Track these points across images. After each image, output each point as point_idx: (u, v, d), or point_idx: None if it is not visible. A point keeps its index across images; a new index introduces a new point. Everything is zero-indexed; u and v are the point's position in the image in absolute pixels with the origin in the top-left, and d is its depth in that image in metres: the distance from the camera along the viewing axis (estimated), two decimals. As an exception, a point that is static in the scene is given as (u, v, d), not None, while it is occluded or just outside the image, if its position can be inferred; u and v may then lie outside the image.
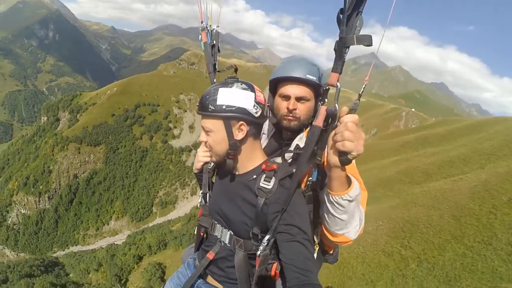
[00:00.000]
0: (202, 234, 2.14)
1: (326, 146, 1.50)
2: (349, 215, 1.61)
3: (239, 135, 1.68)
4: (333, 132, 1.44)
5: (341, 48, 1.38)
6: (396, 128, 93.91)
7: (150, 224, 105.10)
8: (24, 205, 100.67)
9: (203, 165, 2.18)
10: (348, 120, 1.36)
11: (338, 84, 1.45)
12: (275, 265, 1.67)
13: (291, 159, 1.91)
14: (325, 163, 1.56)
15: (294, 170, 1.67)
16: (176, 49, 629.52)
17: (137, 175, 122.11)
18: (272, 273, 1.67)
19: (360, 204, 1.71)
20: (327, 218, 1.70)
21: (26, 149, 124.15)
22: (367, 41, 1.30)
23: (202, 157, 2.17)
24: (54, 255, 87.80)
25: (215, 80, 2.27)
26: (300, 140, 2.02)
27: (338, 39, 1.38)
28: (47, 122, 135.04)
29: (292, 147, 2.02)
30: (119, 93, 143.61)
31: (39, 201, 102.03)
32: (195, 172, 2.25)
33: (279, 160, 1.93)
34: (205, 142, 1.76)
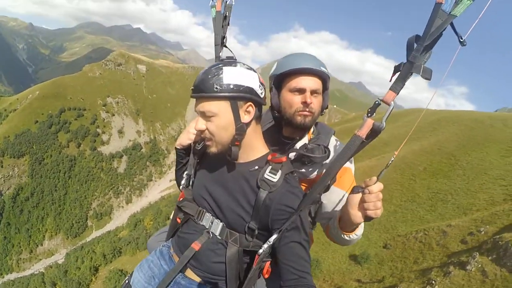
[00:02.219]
0: (179, 220, 2.02)
1: (348, 206, 1.57)
2: (352, 240, 1.82)
3: (245, 118, 1.62)
4: (357, 196, 1.52)
5: (407, 72, 1.44)
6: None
7: (88, 239, 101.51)
8: None
9: (191, 144, 2.09)
10: (378, 190, 1.46)
11: (392, 103, 1.49)
12: (267, 264, 1.65)
13: (294, 158, 1.92)
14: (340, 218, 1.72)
15: (293, 169, 1.72)
16: (99, 49, 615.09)
17: (67, 186, 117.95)
18: (265, 271, 1.65)
19: None
20: (335, 237, 1.85)
21: None
22: (428, 74, 1.41)
23: (193, 134, 2.04)
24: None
25: (220, 54, 2.25)
26: (304, 142, 2.06)
27: (405, 62, 1.45)
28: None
29: (297, 146, 2.04)
30: (41, 97, 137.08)
31: None
32: (178, 147, 2.13)
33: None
34: (203, 131, 1.62)
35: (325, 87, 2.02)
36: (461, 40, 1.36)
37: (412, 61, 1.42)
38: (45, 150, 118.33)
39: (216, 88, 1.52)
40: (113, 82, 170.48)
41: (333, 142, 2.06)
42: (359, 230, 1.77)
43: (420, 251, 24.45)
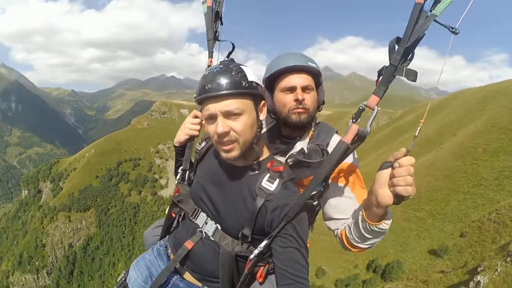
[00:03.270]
0: (174, 214, 2.06)
1: (376, 185, 1.51)
2: (377, 236, 1.70)
3: (261, 116, 1.62)
4: (389, 172, 1.45)
5: (390, 75, 1.44)
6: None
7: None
8: (23, 285, 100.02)
9: (188, 139, 2.14)
10: (409, 163, 1.38)
11: (377, 108, 1.48)
12: (262, 269, 1.67)
13: (292, 163, 1.83)
14: (373, 199, 1.55)
15: (294, 175, 1.68)
16: (140, 102, 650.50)
17: (134, 232, 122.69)
18: (258, 275, 1.67)
19: None
20: (355, 234, 1.76)
21: (12, 226, 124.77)
22: (413, 76, 1.41)
23: (189, 129, 2.11)
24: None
25: (213, 50, 2.31)
26: (303, 144, 2.03)
27: (387, 66, 1.45)
28: (29, 195, 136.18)
29: (295, 150, 2.01)
30: (98, 154, 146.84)
31: (38, 278, 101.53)
32: (176, 145, 2.17)
33: (281, 158, 1.92)
34: (226, 132, 1.50)
35: (317, 83, 2.04)
36: (452, 30, 1.33)
37: (394, 64, 1.42)
38: (109, 201, 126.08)
39: (245, 84, 1.50)
40: (161, 130, 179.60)
41: (336, 141, 1.90)
42: (388, 219, 1.61)
43: (496, 231, 25.98)
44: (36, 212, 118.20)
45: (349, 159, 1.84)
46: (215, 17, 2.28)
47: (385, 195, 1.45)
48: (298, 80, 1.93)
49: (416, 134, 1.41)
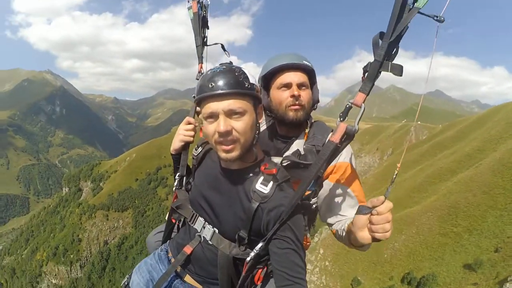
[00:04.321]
0: (174, 220, 2.11)
1: (355, 227, 1.53)
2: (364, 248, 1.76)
3: (259, 118, 1.66)
4: (367, 218, 1.45)
5: (375, 71, 1.45)
6: (409, 143, 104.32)
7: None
8: (55, 275, 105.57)
9: (183, 145, 2.16)
10: (387, 211, 1.38)
11: (363, 105, 1.47)
12: (260, 271, 1.68)
13: (287, 164, 1.85)
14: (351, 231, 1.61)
15: (289, 176, 1.68)
16: (179, 111, 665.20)
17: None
18: (256, 278, 1.68)
19: None
20: (344, 242, 1.85)
21: (50, 220, 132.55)
22: (398, 70, 1.41)
23: (184, 136, 2.13)
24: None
25: (202, 55, 2.37)
26: (300, 144, 2.05)
27: (372, 62, 1.45)
28: (69, 193, 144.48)
29: (291, 150, 2.04)
30: (138, 158, 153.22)
31: (70, 270, 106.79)
32: (173, 153, 2.20)
33: (277, 160, 1.91)
34: (228, 131, 1.51)
35: (312, 81, 2.09)
36: (437, 18, 1.34)
37: (379, 59, 1.42)
38: (146, 204, 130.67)
39: (247, 85, 1.53)
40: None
41: None
42: (368, 244, 1.62)
43: (530, 246, 27.87)
44: (76, 208, 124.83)
45: (345, 159, 1.95)
46: (202, 22, 2.38)
47: (364, 237, 1.49)
48: (294, 77, 1.99)
49: (393, 180, 1.40)
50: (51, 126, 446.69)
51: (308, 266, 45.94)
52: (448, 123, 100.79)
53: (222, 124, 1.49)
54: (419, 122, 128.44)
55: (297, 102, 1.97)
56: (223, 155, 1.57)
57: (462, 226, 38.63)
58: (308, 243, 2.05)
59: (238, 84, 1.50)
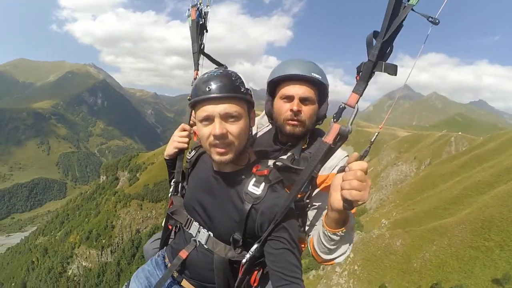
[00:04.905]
0: (170, 226, 2.14)
1: (331, 188, 1.49)
2: (338, 246, 1.67)
3: (251, 123, 1.68)
4: (340, 175, 1.44)
5: (369, 71, 1.43)
6: (448, 154, 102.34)
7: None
8: (86, 258, 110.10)
9: (177, 152, 2.16)
10: (357, 168, 1.35)
11: (357, 106, 1.45)
12: (256, 273, 1.70)
13: (280, 167, 1.81)
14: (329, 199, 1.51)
15: (282, 178, 1.69)
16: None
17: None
18: (252, 280, 1.69)
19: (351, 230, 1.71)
20: (316, 244, 1.76)
21: (86, 205, 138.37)
22: (393, 70, 1.38)
23: (178, 142, 2.14)
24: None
25: (199, 62, 2.37)
26: (297, 151, 1.99)
27: (366, 62, 1.43)
28: (106, 181, 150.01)
29: (286, 155, 1.97)
30: None
31: (101, 254, 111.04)
32: (167, 158, 2.21)
33: (270, 162, 1.91)
34: (224, 134, 1.53)
35: (321, 95, 2.00)
36: (431, 20, 1.31)
37: (372, 59, 1.40)
38: None
39: (243, 90, 1.56)
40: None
41: None
42: (347, 229, 1.59)
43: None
44: (112, 196, 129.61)
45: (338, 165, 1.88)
46: (200, 30, 2.39)
47: (335, 199, 1.44)
48: (298, 90, 1.91)
49: (372, 140, 1.40)
50: (92, 117, 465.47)
51: (337, 269, 47.71)
52: (489, 136, 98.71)
53: (217, 127, 1.51)
54: (460, 133, 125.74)
55: (296, 118, 1.91)
56: (216, 157, 1.59)
57: (494, 240, 39.05)
58: (304, 246, 2.07)
59: (234, 88, 1.53)
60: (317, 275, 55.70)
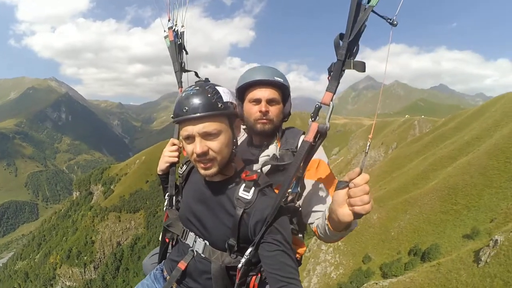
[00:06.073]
0: (167, 240, 2.21)
1: (334, 204, 1.53)
2: (342, 237, 1.80)
3: (236, 133, 1.75)
4: (346, 192, 1.46)
5: (339, 70, 1.51)
6: (413, 136, 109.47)
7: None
8: (69, 277, 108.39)
9: (169, 166, 2.24)
10: (363, 182, 1.39)
11: (332, 103, 1.54)
12: (254, 278, 1.72)
13: (268, 170, 2.00)
14: (331, 217, 1.63)
15: (271, 182, 1.76)
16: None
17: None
18: (251, 286, 1.71)
19: None
20: (325, 235, 1.86)
21: (62, 224, 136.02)
22: (361, 67, 1.47)
23: (169, 157, 2.22)
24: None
25: (181, 80, 2.50)
26: (273, 149, 2.17)
27: (336, 62, 1.52)
28: (80, 197, 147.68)
29: (266, 153, 2.16)
30: (148, 160, 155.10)
31: (84, 272, 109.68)
32: (160, 174, 2.28)
33: (256, 167, 2.07)
34: (205, 152, 1.60)
35: (284, 96, 2.22)
36: (390, 21, 1.39)
37: (341, 59, 1.49)
38: (158, 205, 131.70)
39: (221, 106, 1.58)
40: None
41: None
42: (353, 224, 1.66)
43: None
44: (88, 211, 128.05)
45: (316, 156, 1.87)
46: (178, 49, 2.53)
47: (345, 214, 1.47)
48: (264, 93, 2.12)
49: (367, 151, 1.46)
50: (57, 133, 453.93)
51: (323, 247, 51.51)
52: (450, 116, 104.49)
53: (198, 146, 1.58)
54: (422, 116, 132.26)
55: (264, 117, 2.12)
56: (202, 172, 1.68)
57: (461, 204, 43.58)
58: (303, 248, 2.25)
59: (210, 106, 1.56)
60: (304, 257, 57.79)
